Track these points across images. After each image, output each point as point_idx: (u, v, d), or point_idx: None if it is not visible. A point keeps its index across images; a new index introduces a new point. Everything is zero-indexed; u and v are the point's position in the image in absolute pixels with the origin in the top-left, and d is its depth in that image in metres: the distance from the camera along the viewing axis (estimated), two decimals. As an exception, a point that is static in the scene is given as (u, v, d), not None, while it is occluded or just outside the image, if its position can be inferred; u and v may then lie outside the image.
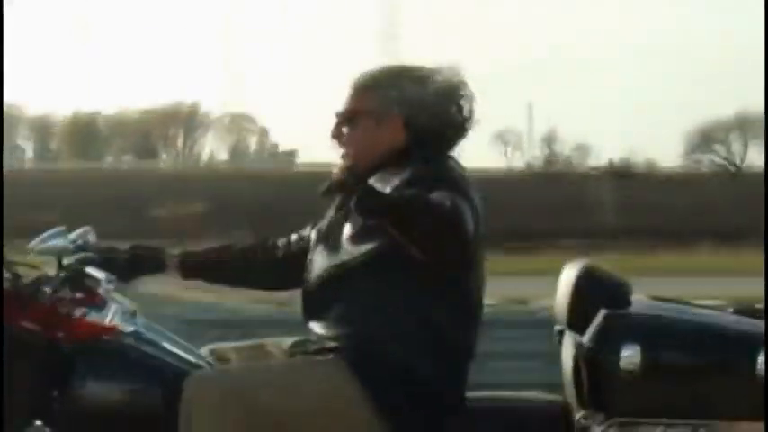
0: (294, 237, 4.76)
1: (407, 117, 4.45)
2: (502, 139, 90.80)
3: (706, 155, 79.82)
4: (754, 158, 75.92)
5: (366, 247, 4.27)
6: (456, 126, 4.50)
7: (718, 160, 78.78)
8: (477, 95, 4.52)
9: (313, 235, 4.60)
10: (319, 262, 4.45)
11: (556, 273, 4.66)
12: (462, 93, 4.50)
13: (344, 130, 4.50)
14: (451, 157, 4.47)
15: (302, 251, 4.62)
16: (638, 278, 5.31)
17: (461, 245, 4.09)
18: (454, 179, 4.28)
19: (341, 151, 4.52)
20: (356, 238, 4.31)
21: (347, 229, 4.37)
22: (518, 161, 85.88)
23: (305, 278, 4.51)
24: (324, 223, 4.53)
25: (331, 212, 4.52)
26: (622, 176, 61.11)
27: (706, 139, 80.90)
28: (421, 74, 4.51)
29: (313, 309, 4.44)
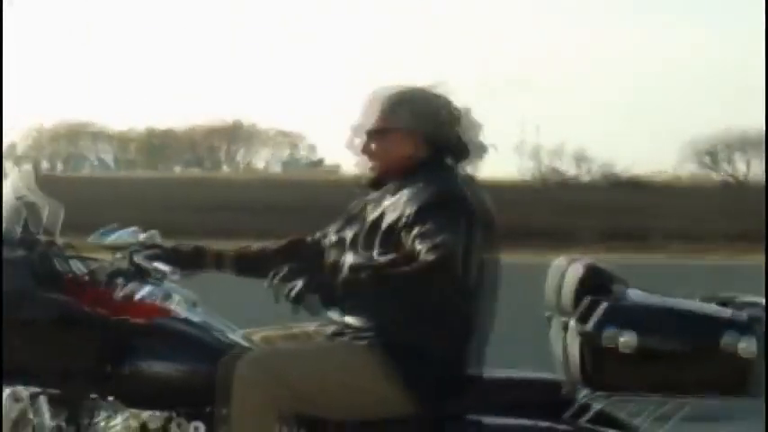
0: (319, 234, 4.80)
1: (427, 133, 4.51)
2: (518, 151, 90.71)
3: (699, 165, 79.52)
4: (742, 169, 75.62)
5: (386, 252, 4.34)
6: (466, 140, 4.57)
7: (711, 171, 78.39)
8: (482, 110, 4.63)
9: (334, 237, 4.63)
10: (351, 261, 4.45)
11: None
12: (473, 118, 4.60)
13: (373, 145, 4.56)
14: (462, 168, 4.55)
15: (326, 248, 4.67)
16: (641, 273, 5.38)
17: (451, 275, 4.18)
18: (456, 194, 4.36)
19: (369, 164, 4.60)
20: (376, 244, 4.38)
21: (369, 235, 4.44)
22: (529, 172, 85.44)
23: (331, 272, 4.52)
24: (349, 226, 4.57)
25: (356, 216, 4.58)
26: (620, 185, 60.93)
27: (699, 151, 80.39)
28: (438, 94, 4.58)
29: (340, 300, 4.47)
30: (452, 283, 4.22)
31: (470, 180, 4.55)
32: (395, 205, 4.40)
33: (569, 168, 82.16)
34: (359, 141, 4.61)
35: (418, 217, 4.27)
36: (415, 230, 4.24)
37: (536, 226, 29.69)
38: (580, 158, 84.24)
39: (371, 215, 4.49)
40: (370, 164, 4.59)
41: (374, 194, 4.54)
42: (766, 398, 5.96)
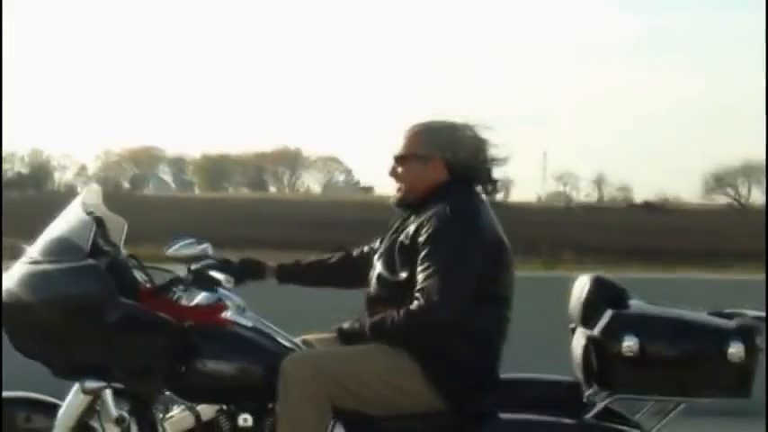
0: (363, 248, 4.85)
1: (448, 160, 4.55)
2: (562, 180, 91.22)
3: (719, 194, 79.43)
4: (757, 197, 75.59)
5: (411, 268, 4.41)
6: (486, 168, 4.61)
7: (728, 198, 78.28)
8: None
9: (376, 246, 4.70)
10: (380, 270, 4.55)
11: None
12: (490, 142, 4.61)
13: (399, 169, 4.62)
14: (478, 192, 4.59)
15: (367, 260, 4.73)
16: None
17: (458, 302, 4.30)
18: (470, 217, 4.43)
19: (397, 185, 4.64)
20: (403, 261, 4.44)
21: (390, 252, 4.51)
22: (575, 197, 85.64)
23: (368, 282, 4.62)
24: (384, 241, 4.63)
25: (390, 232, 4.62)
26: (653, 209, 60.80)
27: (719, 181, 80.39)
28: (458, 125, 4.61)
29: (373, 307, 4.54)
30: (447, 322, 4.31)
31: (485, 203, 4.58)
32: (413, 226, 4.46)
33: (592, 192, 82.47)
34: (389, 166, 4.67)
35: (432, 244, 4.36)
36: (426, 264, 4.34)
37: (564, 242, 29.73)
38: (600, 183, 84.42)
39: (395, 234, 4.55)
40: (397, 186, 4.64)
41: (406, 214, 4.58)
42: (766, 399, 5.99)
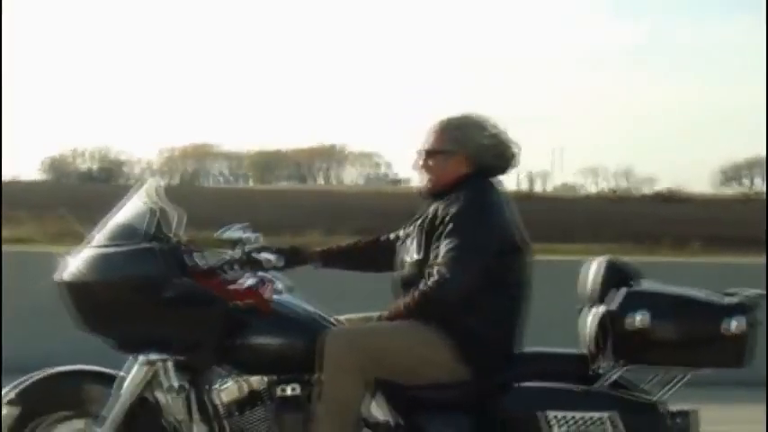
0: (393, 235, 4.85)
1: (470, 155, 4.56)
2: (593, 172, 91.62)
3: (729, 186, 79.12)
4: (749, 184, 75.37)
5: (433, 251, 4.43)
6: (505, 161, 4.62)
7: (739, 189, 77.99)
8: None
9: (401, 238, 4.72)
10: (408, 255, 4.57)
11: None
12: (509, 137, 4.62)
13: (426, 163, 4.62)
14: (496, 183, 4.60)
15: (396, 245, 4.74)
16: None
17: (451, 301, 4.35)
18: (485, 207, 4.45)
19: (424, 177, 4.65)
20: (426, 245, 4.46)
21: (418, 237, 4.53)
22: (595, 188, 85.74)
23: (397, 266, 4.65)
24: (412, 228, 4.64)
25: (417, 220, 4.62)
26: (670, 200, 60.52)
27: (731, 173, 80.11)
28: (480, 122, 4.62)
29: (404, 289, 4.54)
30: (454, 299, 4.35)
31: (503, 194, 4.59)
32: (435, 214, 4.48)
33: (619, 183, 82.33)
34: (417, 159, 4.68)
35: (449, 227, 4.38)
36: (442, 245, 4.37)
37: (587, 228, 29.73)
38: (627, 176, 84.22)
39: (421, 221, 4.56)
40: (424, 178, 4.65)
41: (432, 203, 4.58)
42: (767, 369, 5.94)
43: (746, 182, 80.00)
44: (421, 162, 4.65)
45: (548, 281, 5.39)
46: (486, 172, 4.59)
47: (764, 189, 75.49)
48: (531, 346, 4.62)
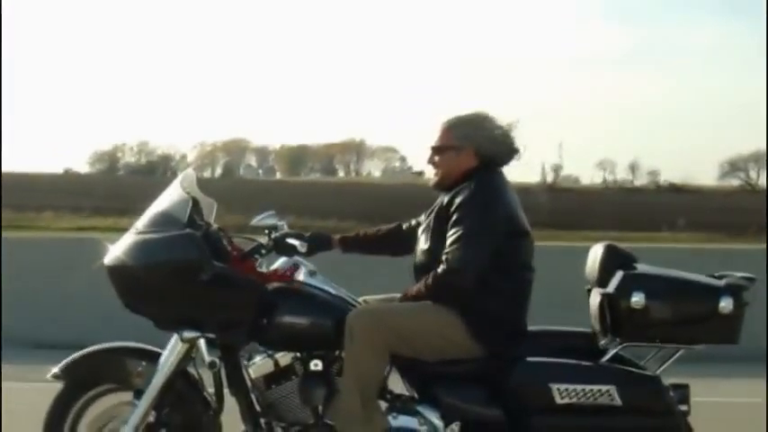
0: (411, 222, 4.85)
1: (477, 149, 4.57)
2: (602, 165, 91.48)
3: (734, 177, 78.86)
4: (754, 176, 75.08)
5: (443, 239, 4.43)
6: (509, 155, 4.63)
7: (741, 181, 77.68)
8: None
9: (422, 220, 4.71)
10: (422, 242, 4.58)
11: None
12: (513, 133, 4.64)
13: (436, 158, 4.65)
14: (501, 175, 4.61)
15: (413, 232, 4.74)
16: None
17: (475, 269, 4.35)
18: (491, 197, 4.46)
19: (435, 171, 4.66)
20: (438, 233, 4.47)
21: (429, 225, 4.55)
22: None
23: (415, 251, 4.66)
24: (427, 216, 4.64)
25: (431, 210, 4.63)
26: (678, 191, 60.28)
27: (734, 166, 79.77)
28: (486, 119, 4.64)
29: (419, 273, 4.55)
30: (465, 284, 4.36)
31: (507, 185, 4.60)
32: (446, 204, 4.50)
33: (626, 176, 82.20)
34: (427, 155, 4.70)
35: (456, 216, 4.41)
36: (452, 233, 4.39)
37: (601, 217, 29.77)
38: (635, 168, 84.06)
39: (433, 211, 4.58)
40: (434, 172, 4.67)
41: (443, 194, 4.59)
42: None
43: (753, 174, 79.66)
44: (429, 158, 4.68)
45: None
46: (490, 165, 4.60)
47: (765, 181, 75.08)
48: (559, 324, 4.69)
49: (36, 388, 4.83)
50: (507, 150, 4.62)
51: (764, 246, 10.38)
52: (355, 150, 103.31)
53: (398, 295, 4.66)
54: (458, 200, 4.45)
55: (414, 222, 4.82)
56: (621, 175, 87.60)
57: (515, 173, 4.73)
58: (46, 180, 56.27)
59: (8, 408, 6.52)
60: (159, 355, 4.60)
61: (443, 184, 4.62)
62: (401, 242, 4.83)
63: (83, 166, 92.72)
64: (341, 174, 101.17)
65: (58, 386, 4.68)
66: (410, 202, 5.04)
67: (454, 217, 4.42)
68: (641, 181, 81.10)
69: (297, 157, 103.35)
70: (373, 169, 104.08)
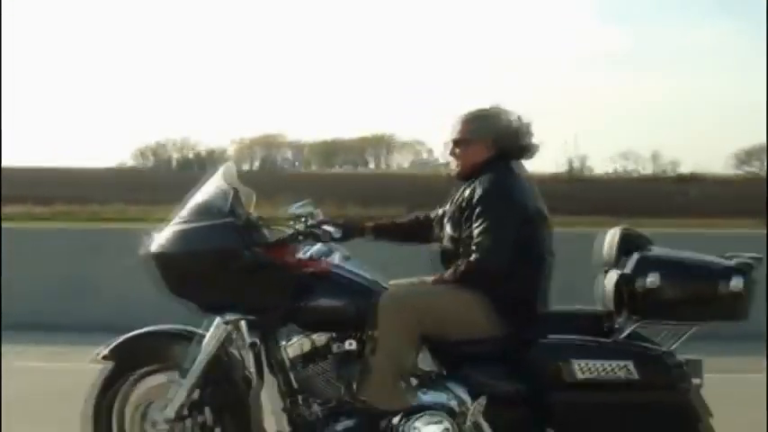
0: (439, 211, 4.84)
1: (493, 141, 4.61)
2: (624, 156, 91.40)
3: (746, 167, 78.46)
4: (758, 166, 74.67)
5: (467, 226, 4.48)
6: (524, 147, 4.65)
7: (752, 170, 77.30)
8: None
9: (441, 214, 4.75)
10: (448, 230, 4.61)
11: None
12: (527, 126, 4.66)
13: (455, 151, 4.69)
14: (517, 165, 4.63)
15: (440, 221, 4.75)
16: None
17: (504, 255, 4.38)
18: (508, 186, 4.49)
19: (455, 163, 4.71)
20: (462, 221, 4.51)
21: (452, 214, 4.59)
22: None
23: (441, 239, 4.68)
24: (451, 206, 4.66)
25: (453, 199, 4.66)
26: (692, 180, 60.02)
27: (746, 156, 79.39)
28: (502, 113, 4.67)
29: (446, 259, 4.59)
30: (496, 269, 4.39)
31: (522, 174, 4.62)
32: (467, 194, 4.53)
33: (647, 167, 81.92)
34: (447, 148, 4.74)
35: (478, 209, 4.44)
36: (476, 225, 4.42)
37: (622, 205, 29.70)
38: (656, 158, 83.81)
39: (456, 201, 4.61)
40: (454, 163, 4.71)
41: (463, 185, 4.63)
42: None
43: (757, 164, 79.32)
44: (449, 150, 4.71)
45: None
46: (507, 156, 4.62)
47: (762, 169, 74.78)
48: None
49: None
50: (522, 141, 4.64)
51: (764, 230, 10.37)
52: (385, 144, 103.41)
53: (424, 278, 4.68)
54: (478, 191, 4.47)
55: (440, 211, 4.83)
56: (643, 165, 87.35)
57: (534, 164, 4.77)
58: (102, 174, 56.58)
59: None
60: (202, 336, 4.63)
61: (464, 175, 4.65)
62: (429, 231, 4.85)
63: (128, 162, 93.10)
64: (371, 165, 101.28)
65: (105, 366, 4.73)
66: (435, 191, 5.05)
67: (477, 209, 4.44)
68: (661, 171, 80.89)
69: (330, 150, 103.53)
70: (402, 161, 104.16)
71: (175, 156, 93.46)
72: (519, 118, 4.67)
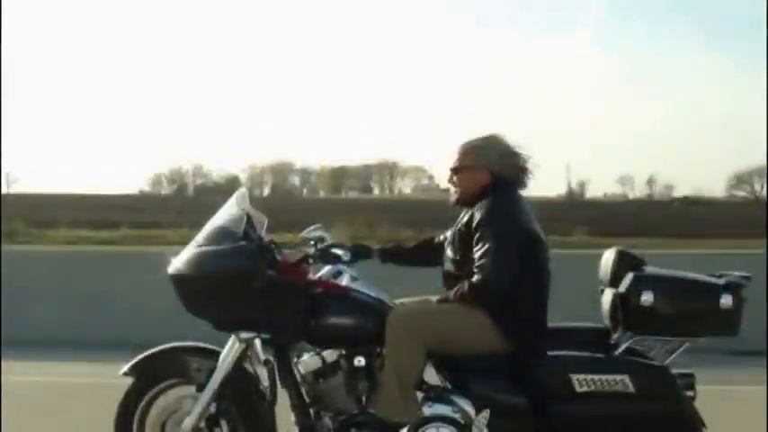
0: (441, 237, 4.90)
1: (491, 169, 4.64)
2: (622, 181, 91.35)
3: (739, 190, 78.47)
4: (757, 188, 74.59)
5: (469, 250, 4.51)
6: (521, 173, 4.68)
7: (746, 193, 77.38)
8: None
9: (449, 234, 4.76)
10: (450, 254, 4.65)
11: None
12: (524, 154, 4.69)
13: (455, 178, 4.72)
14: (515, 190, 4.66)
15: (442, 245, 4.80)
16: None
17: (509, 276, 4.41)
18: (509, 210, 4.52)
19: (454, 190, 4.73)
20: (463, 245, 4.55)
21: (454, 239, 4.62)
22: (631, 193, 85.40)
23: (443, 261, 4.71)
24: (452, 230, 4.70)
25: (456, 224, 4.69)
26: (692, 203, 60.14)
27: (740, 179, 79.44)
28: (497, 141, 4.71)
29: (448, 281, 4.63)
30: (499, 290, 4.41)
31: (521, 198, 4.65)
32: (467, 219, 4.56)
33: (644, 190, 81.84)
34: (447, 175, 4.77)
35: (479, 233, 4.46)
36: (478, 249, 4.44)
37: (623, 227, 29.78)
38: (652, 183, 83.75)
39: (457, 226, 4.65)
40: (453, 190, 4.74)
41: (464, 210, 4.67)
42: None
43: (757, 187, 79.28)
44: (450, 178, 4.75)
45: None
46: (504, 181, 4.65)
47: (760, 191, 74.68)
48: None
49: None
50: (518, 170, 4.67)
51: (763, 250, 10.40)
52: (389, 170, 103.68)
53: (431, 298, 4.71)
54: (477, 216, 4.50)
55: (442, 237, 4.87)
56: (640, 189, 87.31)
57: (535, 188, 4.78)
58: (130, 199, 56.60)
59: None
60: (218, 353, 4.66)
61: (463, 201, 4.69)
62: (433, 254, 4.87)
63: (144, 188, 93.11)
64: (376, 191, 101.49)
65: (128, 381, 4.77)
66: (438, 216, 5.10)
67: (478, 233, 4.46)
68: (659, 194, 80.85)
69: (337, 176, 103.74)
70: (404, 187, 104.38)
71: (197, 181, 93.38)
72: (515, 146, 4.70)
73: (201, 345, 4.78)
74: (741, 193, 77.07)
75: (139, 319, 9.61)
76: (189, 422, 4.63)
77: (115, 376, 4.76)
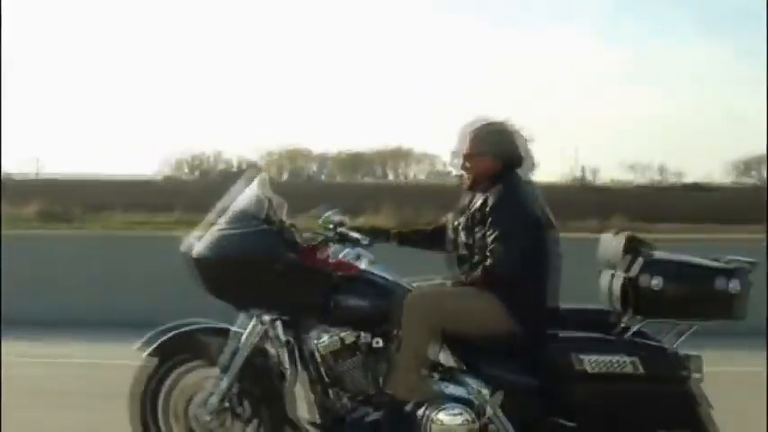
0: (453, 222, 4.83)
1: (501, 155, 4.65)
2: (633, 167, 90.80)
3: (746, 177, 78.10)
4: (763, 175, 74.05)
5: (481, 234, 4.53)
6: (528, 159, 4.70)
7: (753, 180, 76.99)
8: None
9: (461, 219, 4.73)
10: (463, 238, 4.65)
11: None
12: (530, 140, 4.73)
13: (467, 164, 4.72)
14: (525, 174, 4.69)
15: (457, 230, 4.75)
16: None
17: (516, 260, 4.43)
18: (518, 195, 4.54)
19: (465, 176, 4.73)
20: (475, 229, 4.56)
21: (467, 222, 4.63)
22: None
23: (457, 246, 4.71)
24: (465, 216, 4.68)
25: (467, 209, 4.68)
26: (698, 189, 59.79)
27: (747, 166, 79.05)
28: (508, 127, 4.74)
29: (462, 264, 4.64)
30: (510, 273, 4.43)
31: (530, 183, 4.68)
32: (479, 204, 4.57)
33: (655, 176, 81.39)
34: (457, 162, 4.77)
35: (490, 219, 4.49)
36: (489, 234, 4.46)
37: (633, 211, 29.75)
38: (662, 170, 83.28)
39: (468, 212, 4.66)
40: (465, 176, 4.74)
41: (474, 195, 4.68)
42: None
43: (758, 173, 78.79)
44: (462, 164, 4.75)
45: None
46: (513, 167, 4.66)
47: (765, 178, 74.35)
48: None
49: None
50: (526, 156, 4.70)
51: (764, 236, 10.41)
52: (403, 156, 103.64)
53: (446, 281, 4.72)
54: (490, 201, 4.51)
55: (456, 222, 4.87)
56: (655, 175, 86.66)
57: (544, 173, 4.82)
58: (156, 185, 56.44)
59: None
60: (236, 333, 4.67)
61: (472, 187, 4.70)
62: (447, 239, 4.87)
63: (166, 173, 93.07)
64: (390, 177, 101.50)
65: (150, 362, 4.77)
66: (451, 201, 5.10)
67: (490, 218, 4.48)
68: (669, 181, 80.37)
69: (353, 163, 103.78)
70: (418, 173, 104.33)
71: (219, 167, 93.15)
72: (523, 132, 4.73)
73: (222, 325, 4.78)
74: (750, 181, 76.59)
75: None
76: (213, 402, 4.66)
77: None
